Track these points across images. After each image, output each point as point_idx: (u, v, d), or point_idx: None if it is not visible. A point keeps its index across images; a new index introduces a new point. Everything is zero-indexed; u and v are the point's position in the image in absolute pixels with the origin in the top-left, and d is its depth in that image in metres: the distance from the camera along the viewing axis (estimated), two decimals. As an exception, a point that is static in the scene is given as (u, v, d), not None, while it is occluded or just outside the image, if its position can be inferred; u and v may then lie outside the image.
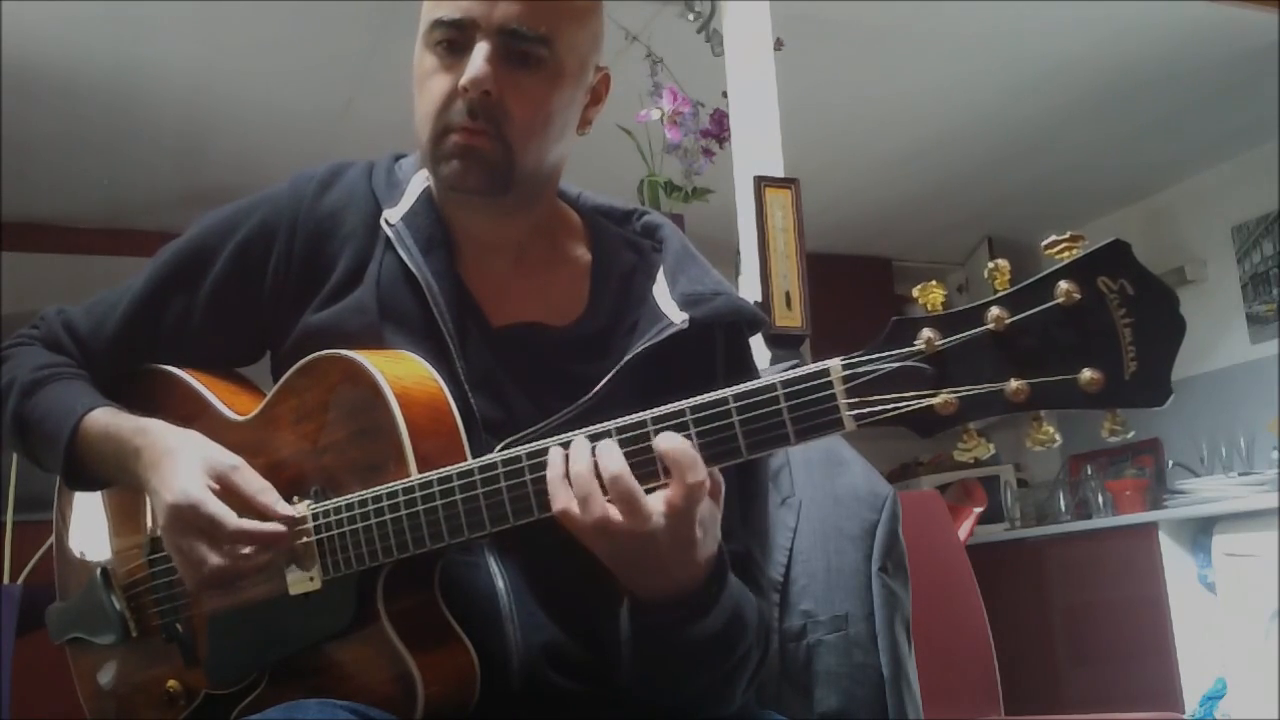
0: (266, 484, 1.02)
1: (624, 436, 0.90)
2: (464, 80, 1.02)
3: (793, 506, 1.43)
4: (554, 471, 0.90)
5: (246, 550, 0.99)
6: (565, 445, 0.91)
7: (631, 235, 1.19)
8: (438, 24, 1.05)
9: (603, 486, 0.88)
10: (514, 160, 1.05)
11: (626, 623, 0.96)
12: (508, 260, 1.14)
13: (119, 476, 1.11)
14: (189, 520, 0.99)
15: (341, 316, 1.08)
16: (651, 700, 1.01)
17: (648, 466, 0.89)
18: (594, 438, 0.91)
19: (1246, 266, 4.52)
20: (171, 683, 1.14)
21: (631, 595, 0.94)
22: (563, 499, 0.89)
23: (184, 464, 1.01)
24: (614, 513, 0.87)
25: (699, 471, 0.87)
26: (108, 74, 3.32)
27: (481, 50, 1.02)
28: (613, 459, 0.88)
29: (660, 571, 0.91)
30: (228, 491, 1.00)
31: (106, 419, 1.11)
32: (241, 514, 0.99)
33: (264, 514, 1.00)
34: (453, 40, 1.04)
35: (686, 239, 1.17)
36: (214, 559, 0.99)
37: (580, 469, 0.88)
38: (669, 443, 0.87)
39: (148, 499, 1.09)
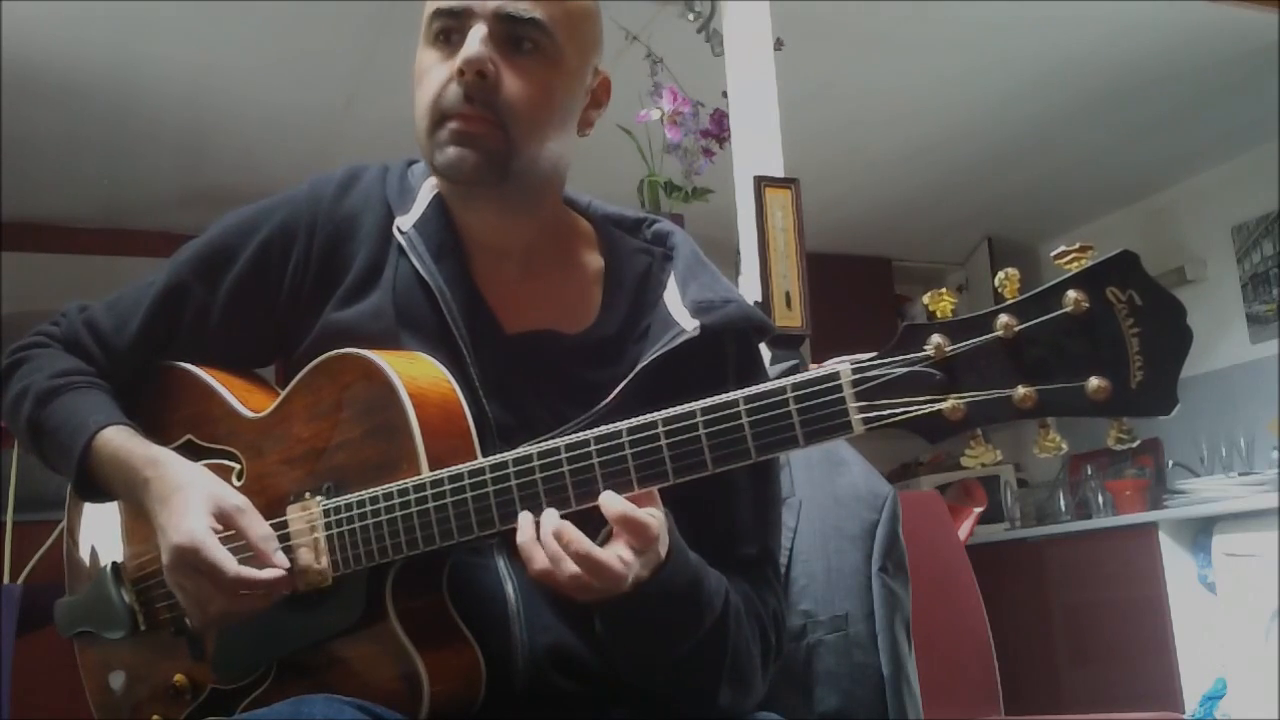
0: (269, 531, 1.02)
1: (634, 438, 0.91)
2: (459, 61, 1.03)
3: (793, 506, 1.43)
4: (524, 535, 0.92)
5: (245, 595, 1.00)
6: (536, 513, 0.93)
7: (642, 243, 1.20)
8: (436, 14, 1.06)
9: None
10: (512, 145, 1.05)
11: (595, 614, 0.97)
12: (518, 266, 1.15)
13: (128, 499, 1.12)
14: (191, 563, 1.00)
15: (361, 320, 1.09)
16: (643, 684, 1.01)
17: (658, 467, 0.90)
18: (604, 439, 0.92)
19: (1246, 266, 4.52)
20: (178, 677, 1.14)
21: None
22: (539, 560, 0.91)
23: (191, 503, 1.02)
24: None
25: (649, 529, 0.90)
26: (108, 74, 3.32)
27: (477, 32, 1.03)
28: (572, 538, 0.90)
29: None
30: (230, 533, 1.01)
31: (119, 441, 1.11)
32: (240, 556, 1.01)
33: (263, 561, 1.01)
34: (450, 29, 1.05)
35: (697, 246, 1.17)
36: (215, 602, 1.00)
37: (546, 536, 0.91)
38: (615, 506, 0.90)
39: None
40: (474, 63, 1.02)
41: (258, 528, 1.02)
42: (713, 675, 1.01)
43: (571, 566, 0.89)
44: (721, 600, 1.00)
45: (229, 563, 0.99)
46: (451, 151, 1.05)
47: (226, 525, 1.01)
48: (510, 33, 1.04)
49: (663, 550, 0.93)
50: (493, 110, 1.04)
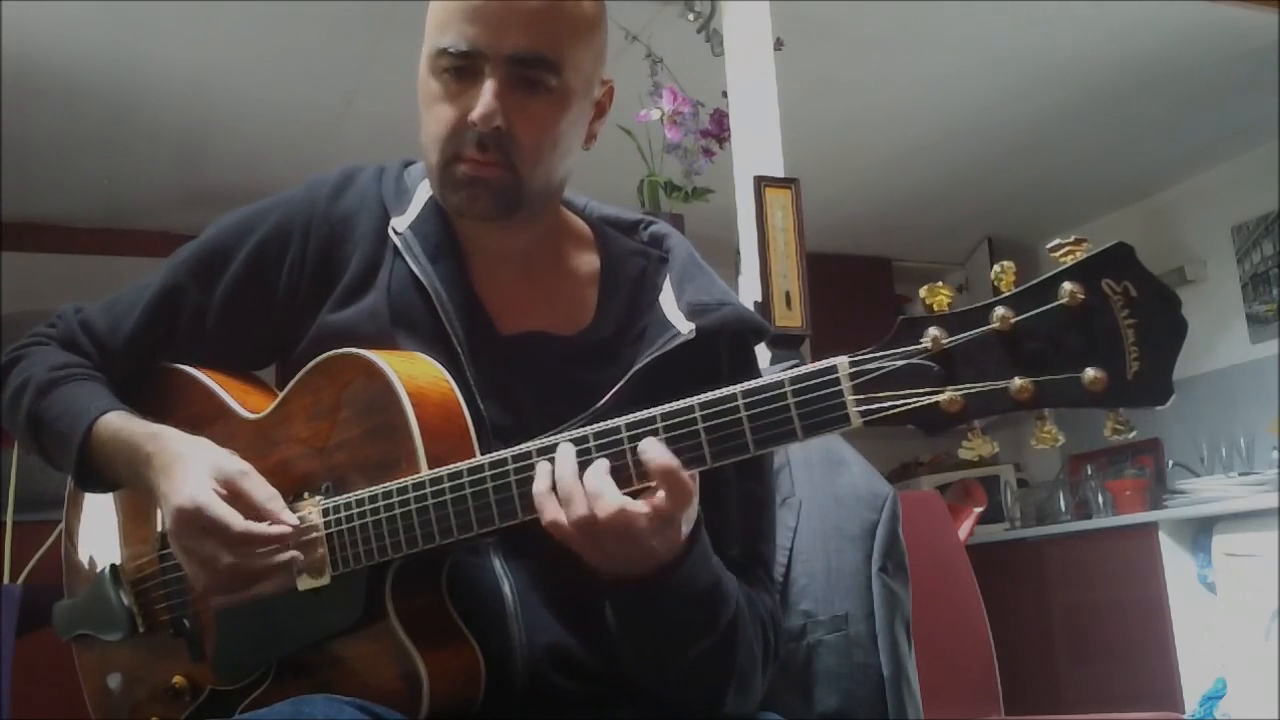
0: (273, 491, 1.02)
1: (632, 433, 0.91)
2: (474, 116, 1.02)
3: (793, 506, 1.43)
4: (540, 485, 0.91)
5: (253, 552, 0.99)
6: (550, 457, 0.92)
7: (639, 244, 1.20)
8: (443, 53, 1.04)
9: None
10: (522, 186, 1.06)
11: (609, 607, 0.97)
12: (515, 269, 1.15)
13: (130, 480, 1.11)
14: (196, 523, 0.99)
15: (356, 321, 1.09)
16: (652, 685, 1.01)
17: None
18: (603, 434, 0.92)
19: (1246, 266, 4.52)
20: (178, 678, 1.14)
21: (611, 580, 0.94)
22: (550, 510, 0.90)
23: (193, 469, 1.02)
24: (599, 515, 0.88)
25: (687, 490, 0.88)
26: (108, 74, 3.32)
27: (490, 86, 1.02)
28: (596, 478, 0.89)
29: (646, 559, 0.92)
30: (235, 497, 1.01)
31: (119, 423, 1.11)
32: (248, 519, 1.00)
33: (269, 521, 1.00)
34: (460, 68, 1.04)
35: (693, 249, 1.17)
36: (221, 561, 0.99)
37: (564, 474, 0.90)
38: (654, 452, 0.88)
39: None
40: (489, 119, 1.02)
41: (261, 489, 1.02)
42: (723, 678, 1.01)
43: (584, 508, 0.88)
44: (736, 603, 1.00)
45: (234, 519, 0.98)
46: (465, 194, 1.06)
47: (230, 490, 1.01)
48: (521, 76, 1.04)
49: (686, 528, 0.92)
50: (505, 156, 1.04)
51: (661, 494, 0.88)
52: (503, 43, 1.02)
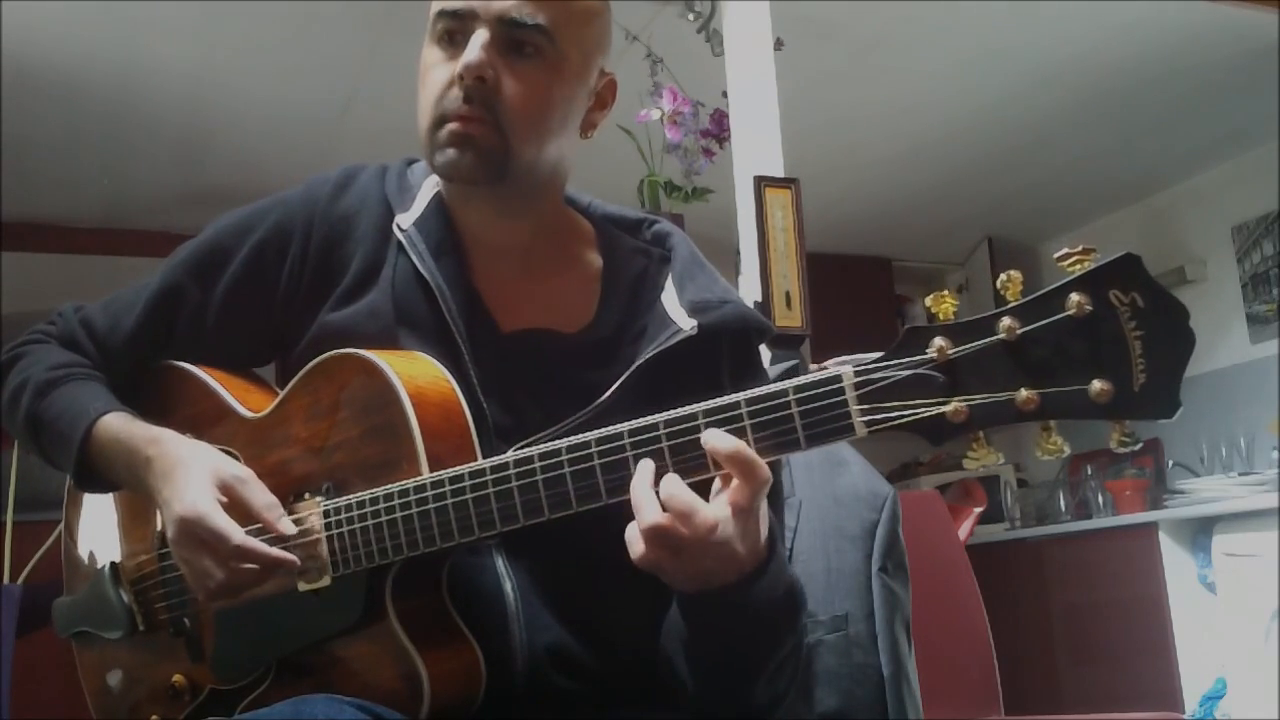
0: (273, 499, 1.02)
1: (635, 439, 0.90)
2: (459, 66, 1.03)
3: (793, 506, 1.43)
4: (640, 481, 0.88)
5: (250, 565, 0.99)
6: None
7: (641, 243, 1.20)
8: (440, 15, 1.06)
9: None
10: (509, 148, 1.05)
11: (680, 626, 0.96)
12: (517, 265, 1.15)
13: (129, 482, 1.11)
14: (195, 533, 0.99)
15: (357, 319, 1.09)
16: (724, 702, 1.00)
17: (660, 471, 0.89)
18: (605, 440, 0.91)
19: (1246, 266, 4.52)
20: (177, 677, 1.14)
21: (684, 596, 0.93)
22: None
23: (194, 476, 1.02)
24: (674, 525, 0.86)
25: (761, 470, 0.86)
26: (108, 74, 3.32)
27: (479, 37, 1.03)
28: (671, 482, 0.87)
29: (730, 564, 0.90)
30: (235, 504, 1.01)
31: (119, 424, 1.11)
32: (246, 527, 1.00)
33: (268, 529, 1.00)
34: (454, 31, 1.05)
35: (696, 248, 1.17)
36: (219, 573, 0.99)
37: (635, 486, 0.88)
38: (726, 443, 0.86)
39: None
40: (473, 68, 1.03)
41: (261, 496, 1.02)
42: (791, 679, 1.02)
43: (655, 515, 0.85)
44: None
45: (233, 531, 0.98)
46: (450, 153, 1.05)
47: (230, 497, 1.01)
48: (512, 37, 1.04)
49: (764, 529, 0.91)
50: (491, 113, 1.04)
51: (735, 483, 0.86)
52: (493, 1, 1.03)
